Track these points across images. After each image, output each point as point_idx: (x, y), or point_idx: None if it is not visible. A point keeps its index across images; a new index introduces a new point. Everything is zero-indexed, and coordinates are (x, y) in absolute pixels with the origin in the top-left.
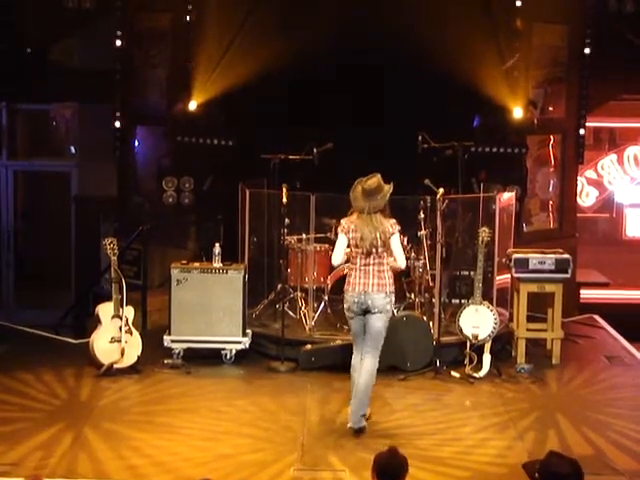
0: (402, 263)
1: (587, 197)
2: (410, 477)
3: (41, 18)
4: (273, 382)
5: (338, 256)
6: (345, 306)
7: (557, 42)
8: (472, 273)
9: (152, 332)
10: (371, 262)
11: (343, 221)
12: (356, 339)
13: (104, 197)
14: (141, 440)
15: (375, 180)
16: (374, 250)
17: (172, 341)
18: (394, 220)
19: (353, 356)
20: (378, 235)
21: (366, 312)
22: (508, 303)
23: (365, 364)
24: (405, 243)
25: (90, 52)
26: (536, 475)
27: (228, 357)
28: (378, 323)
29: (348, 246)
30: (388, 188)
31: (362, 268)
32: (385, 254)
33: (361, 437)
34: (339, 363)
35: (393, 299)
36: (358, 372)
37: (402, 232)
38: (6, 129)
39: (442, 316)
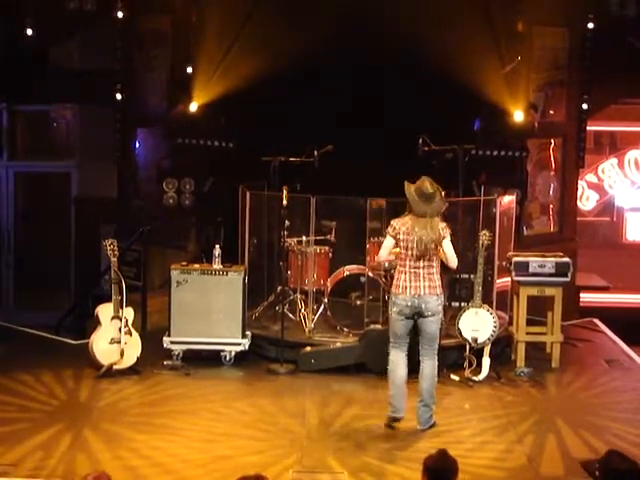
0: (453, 263)
1: (587, 201)
2: None
3: (42, 19)
4: (272, 384)
5: (384, 254)
6: (395, 309)
7: (558, 45)
8: (472, 276)
9: (152, 333)
10: (421, 265)
11: (394, 222)
12: (399, 340)
13: (104, 198)
14: (140, 441)
15: (430, 183)
16: (427, 253)
17: (172, 342)
18: (445, 224)
19: (393, 352)
20: (434, 238)
21: (417, 315)
22: (508, 306)
23: (425, 368)
24: None
25: (91, 53)
26: (597, 473)
27: (227, 359)
28: (433, 326)
29: (395, 247)
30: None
31: (412, 270)
32: (436, 256)
33: (360, 439)
34: (338, 365)
35: (443, 300)
36: (399, 366)
37: None
38: (6, 130)
39: (442, 319)
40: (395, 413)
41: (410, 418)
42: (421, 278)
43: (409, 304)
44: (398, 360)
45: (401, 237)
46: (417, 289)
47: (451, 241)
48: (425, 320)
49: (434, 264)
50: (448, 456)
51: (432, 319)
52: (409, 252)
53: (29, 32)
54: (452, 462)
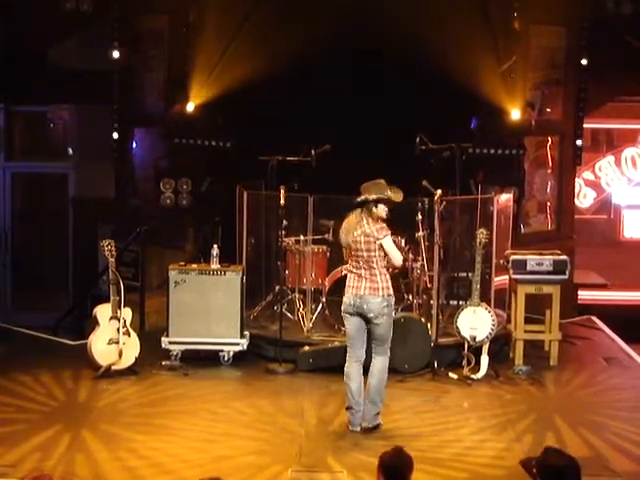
0: (396, 262)
1: (585, 198)
2: None
3: (39, 20)
4: (271, 384)
5: (345, 255)
6: (342, 308)
7: (555, 44)
8: (470, 275)
9: (150, 334)
10: (362, 265)
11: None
12: (350, 341)
13: (102, 199)
14: (139, 442)
15: (369, 184)
16: (359, 253)
17: (170, 343)
18: (383, 225)
19: (347, 363)
20: (362, 239)
21: (363, 316)
22: (506, 304)
23: (374, 365)
24: (403, 244)
25: (88, 54)
26: (534, 470)
27: (226, 359)
28: (379, 330)
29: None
30: (384, 195)
31: (355, 271)
32: (376, 258)
33: (359, 439)
34: (337, 365)
35: (392, 301)
36: (353, 380)
37: (397, 233)
38: (4, 130)
39: (440, 317)
40: (354, 427)
41: (408, 417)
42: (363, 279)
43: (352, 303)
44: (351, 373)
45: (342, 237)
46: (358, 289)
47: (444, 244)
48: (371, 324)
49: (374, 265)
50: (403, 453)
51: (377, 322)
52: (351, 252)
53: (26, 33)
54: (407, 459)
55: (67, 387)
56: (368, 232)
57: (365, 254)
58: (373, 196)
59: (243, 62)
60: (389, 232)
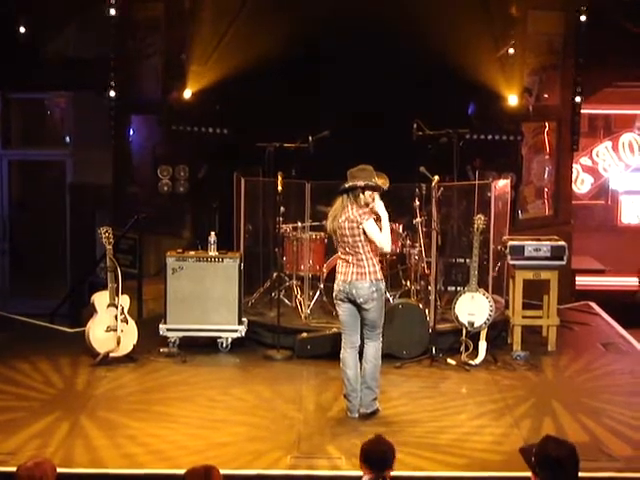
0: (384, 246)
1: (582, 184)
2: (406, 465)
3: (36, 7)
4: (269, 370)
5: None
6: (333, 295)
7: (552, 29)
8: (468, 260)
9: (148, 321)
10: (348, 251)
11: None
12: (344, 328)
13: (99, 186)
14: (137, 429)
15: (356, 170)
16: (345, 239)
17: (168, 330)
18: (366, 209)
19: (342, 349)
20: (347, 225)
21: (353, 302)
22: (504, 290)
23: (367, 351)
24: (401, 231)
25: (85, 41)
26: (532, 460)
27: (224, 346)
28: (370, 315)
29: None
30: (372, 182)
31: (343, 257)
32: (362, 243)
33: (357, 425)
34: (335, 351)
35: (382, 286)
36: (349, 366)
37: (395, 220)
38: (1, 118)
39: (438, 304)
40: (352, 413)
41: (406, 403)
42: (350, 265)
43: (341, 289)
44: (347, 360)
45: (328, 224)
46: (346, 275)
47: (442, 230)
48: (361, 310)
49: (360, 251)
50: (384, 441)
51: (366, 307)
52: (337, 240)
53: (23, 20)
54: (389, 447)
55: (65, 374)
56: (352, 217)
57: (350, 240)
58: (361, 183)
59: (240, 48)
60: (372, 215)
